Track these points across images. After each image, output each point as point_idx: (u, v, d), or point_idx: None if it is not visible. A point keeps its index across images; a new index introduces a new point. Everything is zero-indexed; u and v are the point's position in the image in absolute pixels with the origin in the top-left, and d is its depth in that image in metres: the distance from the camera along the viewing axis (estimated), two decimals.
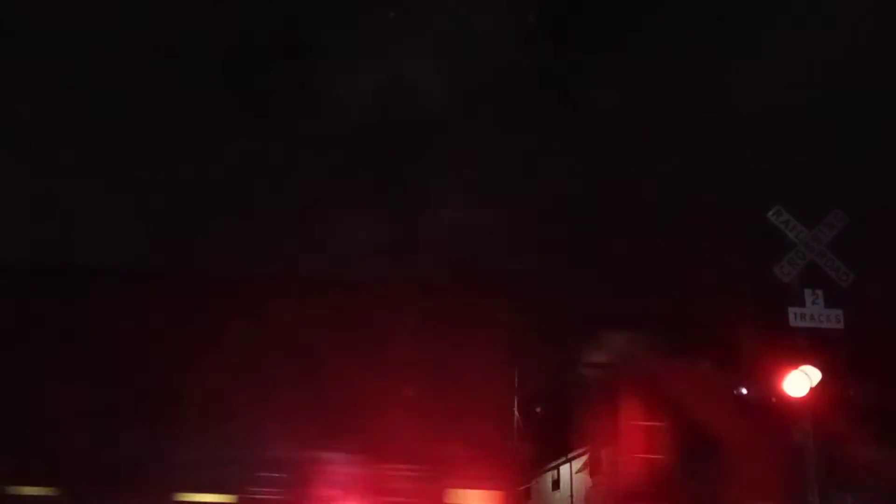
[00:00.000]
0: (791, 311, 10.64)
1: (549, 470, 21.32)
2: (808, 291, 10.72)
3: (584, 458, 17.58)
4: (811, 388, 10.19)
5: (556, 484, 20.93)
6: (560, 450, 20.10)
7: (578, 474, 18.06)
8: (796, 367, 10.28)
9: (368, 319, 13.86)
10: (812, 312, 10.65)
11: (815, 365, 10.29)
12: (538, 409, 16.81)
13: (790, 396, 10.20)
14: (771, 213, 11.00)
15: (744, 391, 13.59)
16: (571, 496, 19.05)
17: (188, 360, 13.16)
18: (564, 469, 20.24)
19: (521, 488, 21.01)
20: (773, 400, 10.83)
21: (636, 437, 14.67)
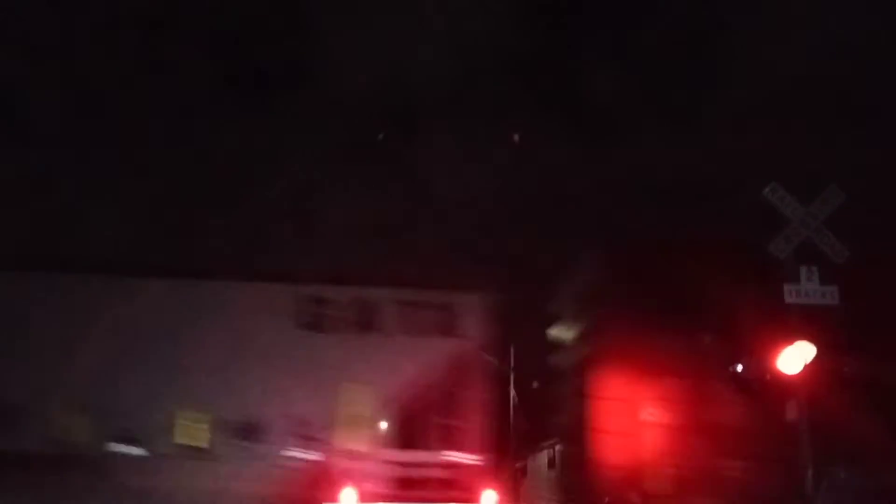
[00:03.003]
0: (786, 287, 10.64)
1: (544, 448, 21.41)
2: (803, 268, 10.70)
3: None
4: (805, 365, 10.22)
5: (551, 462, 21.00)
6: (555, 429, 20.19)
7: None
8: (791, 344, 10.31)
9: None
10: (807, 289, 10.64)
11: (809, 341, 10.32)
12: (535, 385, 16.79)
13: (784, 373, 10.23)
14: (767, 189, 10.96)
15: (739, 368, 13.63)
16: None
17: None
18: (560, 448, 20.31)
19: (518, 465, 21.12)
20: (768, 377, 10.84)
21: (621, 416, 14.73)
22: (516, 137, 14.50)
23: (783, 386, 10.66)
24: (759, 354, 10.60)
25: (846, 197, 10.93)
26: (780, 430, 11.88)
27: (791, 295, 10.65)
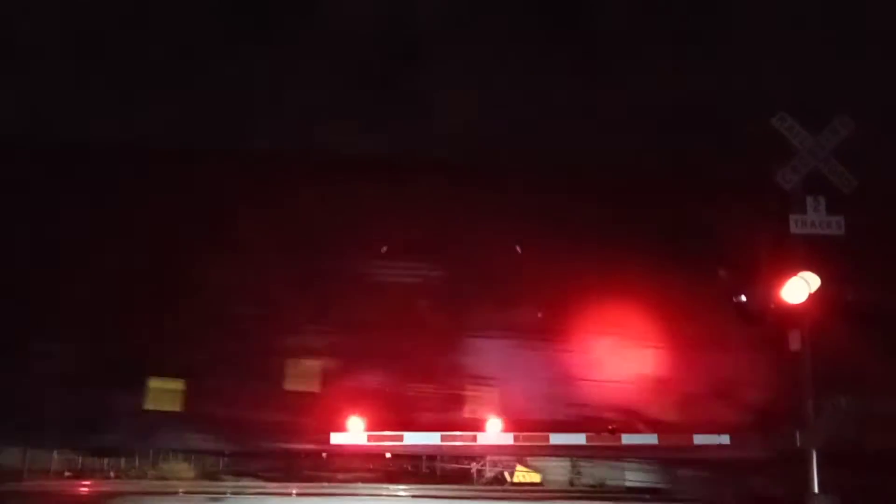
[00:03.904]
0: (792, 218, 10.64)
1: None
2: (809, 199, 10.68)
3: None
4: (810, 295, 10.27)
5: None
6: None
7: None
8: (795, 275, 10.34)
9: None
10: (814, 219, 10.64)
11: (814, 272, 10.35)
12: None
13: (789, 303, 10.29)
14: (775, 119, 10.86)
15: (743, 299, 13.67)
16: None
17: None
18: None
19: None
20: (772, 307, 10.88)
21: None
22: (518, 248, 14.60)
23: (787, 316, 10.74)
24: (764, 285, 10.62)
25: (855, 126, 10.84)
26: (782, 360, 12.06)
27: (797, 225, 10.65)
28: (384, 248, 13.86)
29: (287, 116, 15.38)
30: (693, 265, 14.26)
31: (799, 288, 10.26)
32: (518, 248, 14.47)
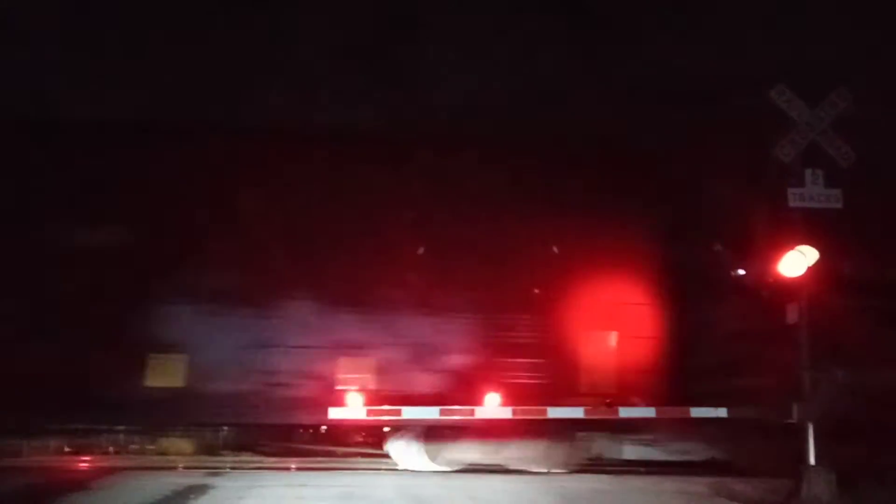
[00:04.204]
0: (790, 191, 10.62)
1: None
2: (808, 172, 10.66)
3: None
4: (808, 268, 10.29)
5: None
6: None
7: None
8: (793, 248, 10.35)
9: None
10: (812, 193, 10.63)
11: (812, 245, 10.36)
12: None
13: (786, 276, 10.31)
14: (773, 91, 10.81)
15: (741, 272, 13.70)
16: None
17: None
18: None
19: None
20: (770, 280, 10.90)
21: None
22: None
23: (785, 289, 10.77)
24: (762, 259, 10.64)
25: (854, 99, 10.80)
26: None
27: (795, 198, 10.64)
28: (421, 250, 13.95)
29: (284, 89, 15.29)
30: (690, 239, 14.30)
31: (796, 261, 10.28)
32: (555, 249, 14.58)
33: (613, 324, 14.62)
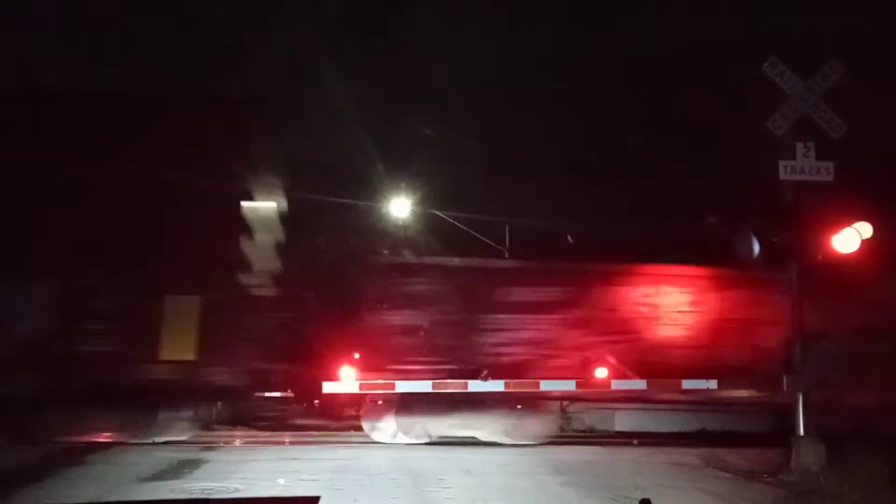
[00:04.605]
0: (782, 164, 10.64)
1: None
2: (799, 144, 10.67)
3: None
4: (804, 238, 10.36)
5: None
6: None
7: None
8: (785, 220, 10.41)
9: None
10: (803, 165, 10.65)
11: (804, 217, 10.41)
12: None
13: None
14: (766, 64, 10.79)
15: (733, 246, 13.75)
16: None
17: None
18: None
19: None
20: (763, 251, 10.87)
21: None
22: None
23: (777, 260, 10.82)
24: (755, 232, 10.65)
25: (845, 71, 10.79)
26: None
27: (786, 171, 10.66)
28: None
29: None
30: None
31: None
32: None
33: None
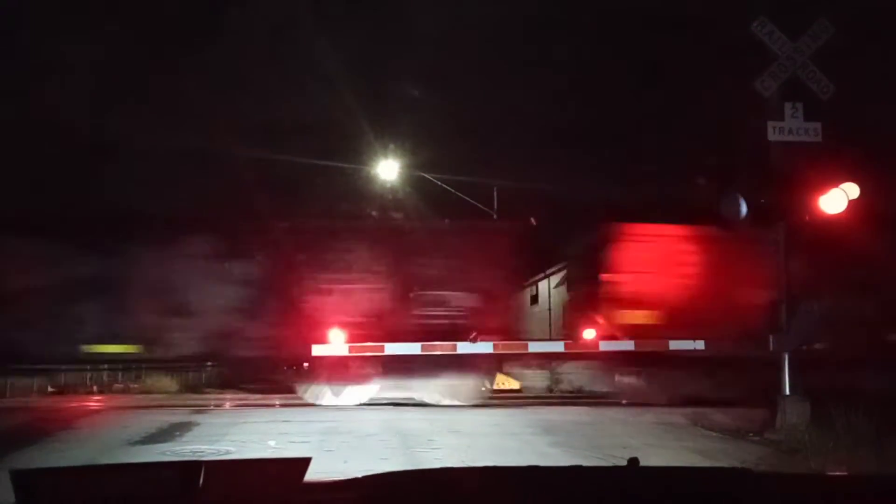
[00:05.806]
0: (770, 125, 10.60)
1: (527, 286, 21.88)
2: (787, 105, 10.63)
3: (561, 274, 17.94)
4: (789, 199, 10.36)
5: (534, 299, 21.54)
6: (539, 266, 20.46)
7: (556, 289, 18.51)
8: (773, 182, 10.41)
9: None
10: (791, 126, 10.62)
11: (792, 178, 10.41)
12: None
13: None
14: (755, 24, 10.70)
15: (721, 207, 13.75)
16: (549, 310, 19.65)
17: None
18: (543, 284, 20.77)
19: None
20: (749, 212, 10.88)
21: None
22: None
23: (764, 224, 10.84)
24: (742, 192, 10.65)
25: (835, 30, 10.73)
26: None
27: (775, 132, 10.63)
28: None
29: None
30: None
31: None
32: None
33: None
